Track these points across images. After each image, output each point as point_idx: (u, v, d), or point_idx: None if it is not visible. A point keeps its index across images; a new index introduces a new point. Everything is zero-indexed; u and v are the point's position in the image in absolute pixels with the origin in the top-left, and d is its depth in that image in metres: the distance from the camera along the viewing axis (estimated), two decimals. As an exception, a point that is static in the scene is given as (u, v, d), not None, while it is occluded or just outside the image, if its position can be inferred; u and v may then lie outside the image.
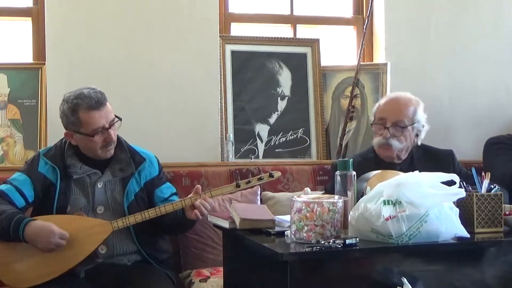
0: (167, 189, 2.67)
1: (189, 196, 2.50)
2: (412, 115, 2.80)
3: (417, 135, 2.84)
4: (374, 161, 2.82)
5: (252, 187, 2.92)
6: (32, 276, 2.39)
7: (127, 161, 2.58)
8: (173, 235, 2.89)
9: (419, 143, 2.87)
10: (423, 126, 2.85)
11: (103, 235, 2.44)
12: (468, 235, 2.07)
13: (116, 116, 2.55)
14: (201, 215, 2.47)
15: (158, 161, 2.71)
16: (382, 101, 2.89)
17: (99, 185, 2.55)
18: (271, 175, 2.54)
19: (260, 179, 2.54)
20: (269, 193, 3.18)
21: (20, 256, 2.41)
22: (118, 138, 2.62)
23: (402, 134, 2.76)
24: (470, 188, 2.25)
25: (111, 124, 2.51)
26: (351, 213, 2.08)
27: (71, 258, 2.41)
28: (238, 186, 2.53)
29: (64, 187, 2.52)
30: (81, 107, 2.47)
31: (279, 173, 2.59)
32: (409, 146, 2.82)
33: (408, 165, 2.79)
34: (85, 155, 2.56)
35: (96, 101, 2.47)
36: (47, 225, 2.37)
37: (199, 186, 2.53)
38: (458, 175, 2.70)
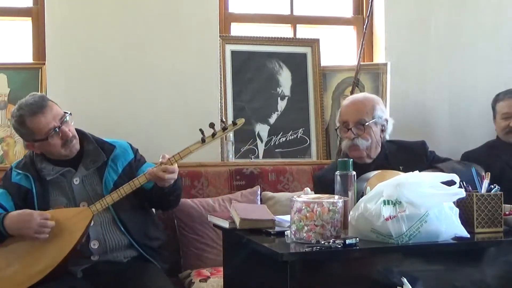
0: (148, 167, 2.62)
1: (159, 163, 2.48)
2: (371, 111, 2.80)
3: (382, 131, 2.84)
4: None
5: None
6: (25, 277, 2.39)
7: (96, 151, 2.59)
8: (167, 209, 2.85)
9: (387, 138, 2.87)
10: (387, 121, 2.85)
11: (85, 221, 2.44)
12: (468, 235, 2.07)
13: (65, 112, 2.55)
14: (163, 180, 2.44)
15: (131, 146, 2.71)
16: (342, 106, 2.91)
17: (76, 181, 2.56)
18: (234, 123, 2.52)
19: (224, 129, 2.51)
20: (269, 193, 3.18)
21: (7, 261, 2.41)
22: (83, 132, 2.64)
23: (365, 131, 2.77)
24: (470, 188, 2.25)
25: (62, 121, 2.51)
26: (351, 213, 2.08)
27: (59, 251, 2.41)
28: (203, 141, 2.50)
29: (41, 191, 2.53)
30: (25, 116, 2.49)
31: (243, 120, 2.56)
32: (377, 142, 2.81)
33: (382, 163, 2.77)
34: None
35: (36, 106, 2.49)
36: (24, 210, 2.40)
37: (164, 154, 2.50)
38: (431, 162, 2.78)
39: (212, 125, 2.48)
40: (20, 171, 2.57)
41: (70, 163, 2.57)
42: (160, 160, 2.49)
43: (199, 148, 2.53)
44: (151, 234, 2.66)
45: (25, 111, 2.49)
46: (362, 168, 2.61)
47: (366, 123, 2.77)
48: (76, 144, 2.57)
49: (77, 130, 2.61)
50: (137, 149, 2.73)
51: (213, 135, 2.50)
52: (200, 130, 2.51)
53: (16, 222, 2.38)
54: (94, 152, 2.59)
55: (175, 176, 2.49)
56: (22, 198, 2.54)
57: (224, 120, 2.54)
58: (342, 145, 2.85)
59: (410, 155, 2.82)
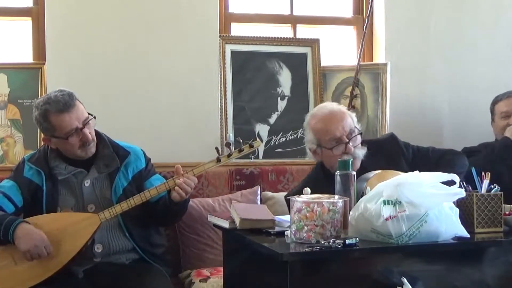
0: (156, 180, 2.66)
1: (172, 178, 2.50)
2: (353, 119, 2.65)
3: None
4: (325, 180, 2.51)
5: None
6: (28, 277, 2.40)
7: (111, 156, 2.58)
8: (168, 225, 2.89)
9: None
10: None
11: (92, 228, 2.44)
12: (468, 235, 2.07)
13: (89, 114, 2.55)
14: (185, 194, 2.47)
15: (144, 153, 2.71)
16: (319, 124, 2.61)
17: (86, 183, 2.56)
18: (251, 145, 2.50)
19: (240, 150, 2.51)
20: (269, 193, 3.18)
21: (14, 260, 2.42)
22: (100, 134, 2.63)
23: (358, 140, 2.61)
24: (470, 188, 2.25)
25: (85, 124, 2.51)
26: (351, 213, 2.08)
27: (63, 254, 2.41)
28: (219, 160, 2.50)
29: (51, 189, 2.53)
30: (50, 112, 2.47)
31: (259, 143, 2.54)
32: None
33: (361, 172, 2.50)
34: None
35: (64, 104, 2.47)
36: (39, 231, 2.39)
37: (179, 166, 2.52)
38: (407, 155, 2.67)
39: (228, 145, 2.50)
40: (33, 166, 2.56)
41: (83, 164, 2.57)
42: (176, 171, 2.49)
43: (214, 166, 2.53)
44: (155, 241, 2.66)
45: (52, 106, 2.47)
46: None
47: (360, 131, 2.62)
48: (92, 148, 2.56)
49: (95, 131, 2.60)
50: (149, 159, 2.72)
51: (229, 155, 2.50)
52: (216, 148, 2.53)
53: (26, 234, 2.37)
54: (109, 156, 2.58)
55: (189, 188, 2.48)
56: (31, 193, 2.54)
57: (240, 140, 2.52)
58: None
59: (385, 157, 2.64)
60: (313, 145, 2.65)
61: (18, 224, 2.39)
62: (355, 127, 2.63)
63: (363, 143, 2.65)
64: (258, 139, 2.50)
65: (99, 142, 2.60)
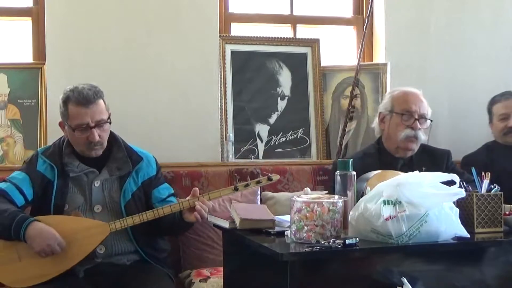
0: (164, 189, 2.67)
1: (187, 198, 2.50)
2: (429, 112, 2.88)
3: None
4: (378, 156, 2.88)
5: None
6: (30, 276, 2.40)
7: (124, 159, 2.58)
8: (172, 235, 2.89)
9: None
10: None
11: (101, 236, 2.44)
12: (468, 235, 2.08)
13: (108, 119, 2.55)
14: (201, 218, 2.48)
15: (156, 161, 2.71)
16: (400, 94, 2.91)
17: (96, 183, 2.56)
18: (269, 178, 2.51)
19: (258, 182, 2.52)
20: (269, 193, 3.18)
21: (19, 256, 2.42)
22: (115, 137, 2.64)
23: (425, 126, 2.83)
24: (470, 188, 2.25)
25: (97, 124, 2.50)
26: (351, 213, 2.09)
27: (69, 259, 2.41)
28: (236, 189, 2.52)
29: (62, 185, 2.53)
30: (70, 100, 2.50)
31: (278, 176, 2.57)
32: None
33: (408, 161, 2.83)
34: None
35: (84, 97, 2.48)
36: (50, 229, 2.39)
37: (196, 188, 2.52)
38: (449, 165, 2.85)
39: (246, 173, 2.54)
40: (47, 160, 2.56)
41: (95, 163, 2.57)
42: (192, 193, 2.49)
43: (230, 194, 2.59)
44: (158, 246, 2.66)
45: (73, 96, 2.50)
46: (390, 162, 2.71)
47: (430, 119, 2.84)
48: (99, 150, 2.55)
49: (110, 133, 2.60)
50: (160, 167, 2.72)
51: (246, 185, 2.52)
52: (235, 175, 2.57)
53: (38, 234, 2.36)
54: (122, 160, 2.58)
55: (205, 215, 2.49)
56: (43, 187, 2.54)
57: (259, 172, 2.64)
58: (400, 134, 2.82)
59: (433, 162, 2.84)
60: (385, 111, 2.91)
61: (30, 224, 2.37)
62: (428, 116, 2.85)
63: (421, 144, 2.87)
64: (276, 175, 2.55)
65: (114, 145, 2.61)
